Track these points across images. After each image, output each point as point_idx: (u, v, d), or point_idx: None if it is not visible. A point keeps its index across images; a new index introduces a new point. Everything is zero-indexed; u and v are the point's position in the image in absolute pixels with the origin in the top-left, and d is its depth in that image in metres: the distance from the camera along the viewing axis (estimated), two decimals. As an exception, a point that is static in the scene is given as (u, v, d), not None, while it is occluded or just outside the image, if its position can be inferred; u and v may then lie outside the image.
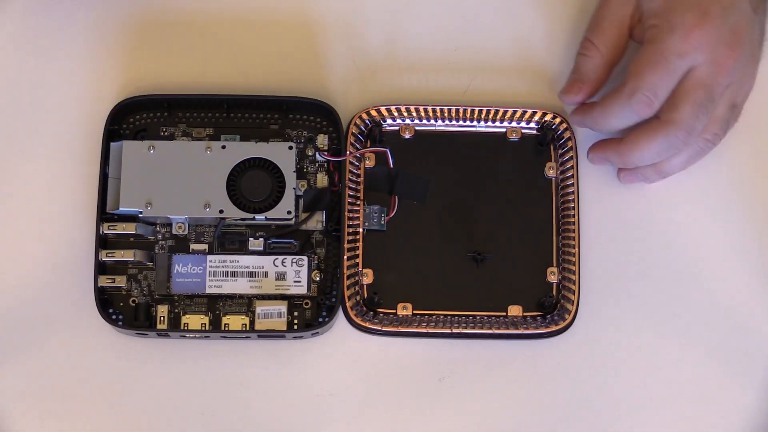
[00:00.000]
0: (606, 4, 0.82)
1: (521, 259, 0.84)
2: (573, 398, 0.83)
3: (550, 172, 0.86)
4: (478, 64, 0.88)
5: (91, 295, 0.81)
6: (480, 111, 0.86)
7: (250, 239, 0.83)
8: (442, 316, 0.83)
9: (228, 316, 0.83)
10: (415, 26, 0.88)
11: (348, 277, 0.83)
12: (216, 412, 0.82)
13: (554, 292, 0.84)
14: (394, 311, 0.84)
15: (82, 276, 0.83)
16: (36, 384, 0.82)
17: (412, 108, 0.86)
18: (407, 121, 0.86)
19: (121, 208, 0.82)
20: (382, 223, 0.85)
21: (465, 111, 0.86)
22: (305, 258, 0.83)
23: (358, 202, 0.84)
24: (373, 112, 0.86)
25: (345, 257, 0.83)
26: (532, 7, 0.89)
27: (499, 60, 0.88)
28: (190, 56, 0.87)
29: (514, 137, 0.86)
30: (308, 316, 0.83)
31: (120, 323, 0.82)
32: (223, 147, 0.83)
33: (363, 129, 0.86)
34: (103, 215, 0.83)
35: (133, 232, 0.82)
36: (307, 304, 0.83)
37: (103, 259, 0.82)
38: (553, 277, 0.84)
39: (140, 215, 0.82)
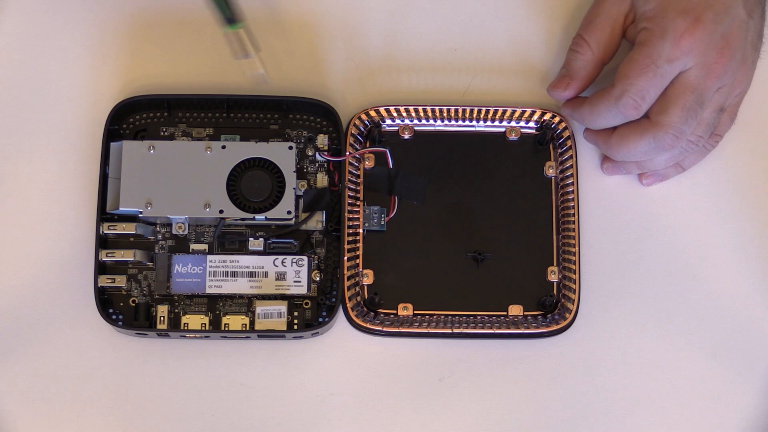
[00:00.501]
0: (601, 2, 0.83)
1: (521, 259, 0.84)
2: (573, 398, 0.83)
3: (550, 171, 0.86)
4: (477, 64, 0.88)
5: (91, 295, 0.81)
6: (479, 111, 0.86)
7: (250, 239, 0.83)
8: (442, 316, 0.83)
9: (228, 316, 0.83)
10: (415, 26, 0.88)
11: (348, 278, 0.83)
12: (216, 412, 0.82)
13: (555, 292, 0.84)
14: (395, 312, 0.84)
15: (82, 276, 0.83)
16: (36, 384, 0.82)
17: (411, 108, 0.86)
18: (407, 121, 0.86)
19: (121, 208, 0.82)
20: (382, 223, 0.85)
21: (464, 111, 0.86)
22: (305, 258, 0.83)
23: (358, 203, 0.84)
24: (373, 113, 0.86)
25: (345, 257, 0.83)
26: (532, 7, 0.89)
27: (499, 60, 0.88)
28: (190, 56, 0.87)
29: (513, 137, 0.86)
30: (308, 316, 0.83)
31: (120, 323, 0.82)
32: (223, 147, 0.83)
33: (362, 129, 0.86)
34: (103, 215, 0.83)
35: (133, 232, 0.82)
36: (307, 304, 0.83)
37: (103, 259, 0.82)
38: (553, 277, 0.84)
39: (140, 215, 0.82)
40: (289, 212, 0.82)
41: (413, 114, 0.86)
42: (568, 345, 0.84)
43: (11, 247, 0.84)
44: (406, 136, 0.86)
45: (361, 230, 0.84)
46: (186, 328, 0.82)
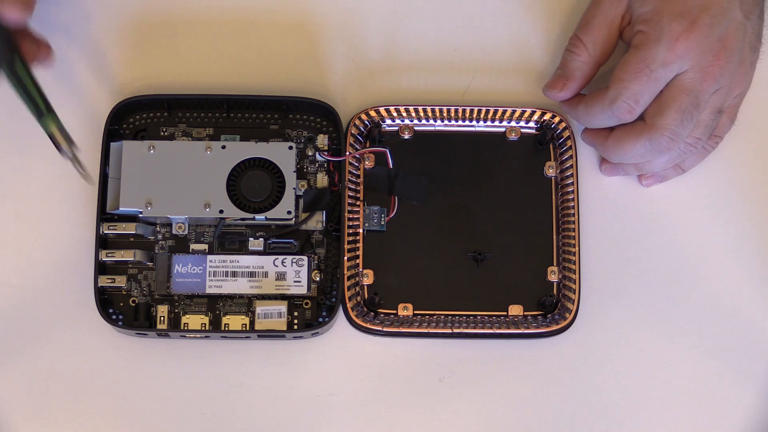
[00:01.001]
0: (598, 3, 0.82)
1: (521, 259, 0.84)
2: (573, 398, 0.83)
3: (550, 171, 0.86)
4: (477, 64, 0.88)
5: (91, 295, 0.81)
6: (479, 111, 0.86)
7: (250, 239, 0.83)
8: (442, 317, 0.83)
9: (228, 316, 0.83)
10: (415, 26, 0.88)
11: (348, 278, 0.83)
12: (216, 412, 0.82)
13: (555, 292, 0.84)
14: (395, 312, 0.84)
15: (82, 276, 0.83)
16: (36, 384, 0.82)
17: (411, 108, 0.86)
18: (407, 121, 0.86)
19: (121, 208, 0.82)
20: (382, 223, 0.85)
21: (464, 111, 0.86)
22: (305, 258, 0.83)
23: (358, 203, 0.84)
24: (373, 113, 0.86)
25: (345, 257, 0.83)
26: (531, 7, 0.89)
27: (499, 60, 0.88)
28: (190, 56, 0.87)
29: (513, 137, 0.86)
30: (308, 316, 0.83)
31: (120, 323, 0.82)
32: (223, 147, 0.83)
33: (362, 129, 0.86)
34: (103, 215, 0.83)
35: (133, 232, 0.82)
36: (307, 304, 0.83)
37: (103, 259, 0.82)
38: (553, 277, 0.84)
39: (140, 215, 0.82)
40: (289, 212, 0.82)
41: (413, 114, 0.86)
42: (568, 345, 0.84)
43: (11, 247, 0.84)
44: (406, 136, 0.86)
45: (361, 230, 0.84)
46: (186, 328, 0.82)
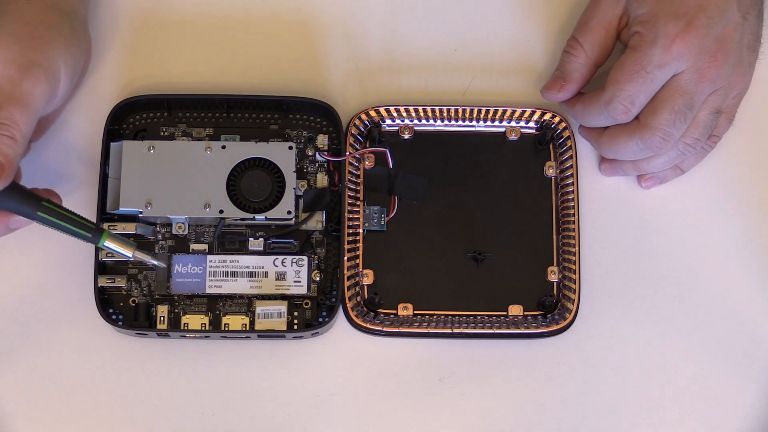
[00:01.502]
0: (595, 4, 0.83)
1: (521, 259, 0.84)
2: (573, 398, 0.83)
3: (550, 171, 0.86)
4: (477, 64, 0.88)
5: (91, 295, 0.81)
6: (479, 111, 0.86)
7: (250, 239, 0.83)
8: (442, 316, 0.83)
9: (228, 316, 0.83)
10: (415, 26, 0.88)
11: (348, 278, 0.83)
12: (216, 412, 0.82)
13: (555, 292, 0.84)
14: (395, 312, 0.84)
15: (82, 276, 0.83)
16: (36, 384, 0.82)
17: (411, 108, 0.86)
18: (407, 121, 0.86)
19: (121, 208, 0.82)
20: (382, 223, 0.85)
21: (464, 111, 0.86)
22: (305, 258, 0.83)
23: (358, 203, 0.84)
24: (373, 113, 0.86)
25: (345, 257, 0.83)
26: (531, 7, 0.89)
27: (499, 60, 0.88)
28: (190, 56, 0.87)
29: (513, 137, 0.86)
30: (308, 316, 0.83)
31: (120, 323, 0.82)
32: (223, 147, 0.83)
33: (362, 129, 0.86)
34: (103, 215, 0.83)
35: (133, 232, 0.82)
36: (307, 304, 0.83)
37: (103, 259, 0.82)
38: (553, 277, 0.84)
39: (140, 215, 0.82)
40: (289, 212, 0.82)
41: (413, 114, 0.86)
42: (568, 345, 0.84)
43: (11, 247, 0.84)
44: (406, 136, 0.86)
45: (361, 230, 0.84)
46: (186, 328, 0.82)
